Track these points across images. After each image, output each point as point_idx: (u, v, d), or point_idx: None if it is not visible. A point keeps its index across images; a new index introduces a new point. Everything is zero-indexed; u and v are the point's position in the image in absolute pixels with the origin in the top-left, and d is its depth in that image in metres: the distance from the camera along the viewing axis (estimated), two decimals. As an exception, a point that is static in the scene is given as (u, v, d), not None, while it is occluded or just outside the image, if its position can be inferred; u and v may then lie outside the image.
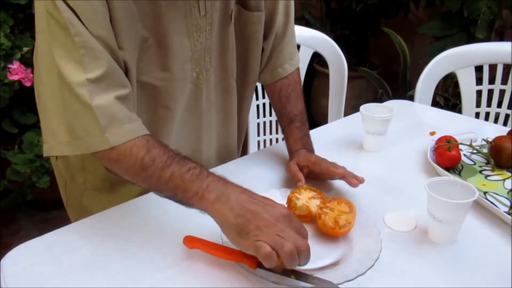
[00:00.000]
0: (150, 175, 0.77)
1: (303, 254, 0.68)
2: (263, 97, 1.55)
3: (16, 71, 1.77)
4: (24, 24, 1.98)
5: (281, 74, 1.11)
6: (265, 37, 1.06)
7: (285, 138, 1.07)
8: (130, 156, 0.78)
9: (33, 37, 1.92)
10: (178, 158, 0.78)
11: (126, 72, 0.85)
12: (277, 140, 1.63)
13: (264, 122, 1.59)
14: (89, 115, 0.77)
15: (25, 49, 1.85)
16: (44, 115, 0.84)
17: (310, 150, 1.03)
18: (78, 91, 0.77)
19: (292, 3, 1.09)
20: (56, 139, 0.81)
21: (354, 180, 0.90)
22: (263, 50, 1.08)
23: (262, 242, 0.67)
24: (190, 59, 0.93)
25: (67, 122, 0.80)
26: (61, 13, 0.76)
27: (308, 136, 1.06)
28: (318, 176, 0.96)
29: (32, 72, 1.80)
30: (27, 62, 1.84)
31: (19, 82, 1.80)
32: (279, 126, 1.57)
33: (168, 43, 0.88)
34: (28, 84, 1.80)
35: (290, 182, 0.97)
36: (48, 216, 2.21)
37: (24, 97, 1.94)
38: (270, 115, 1.58)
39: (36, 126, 2.00)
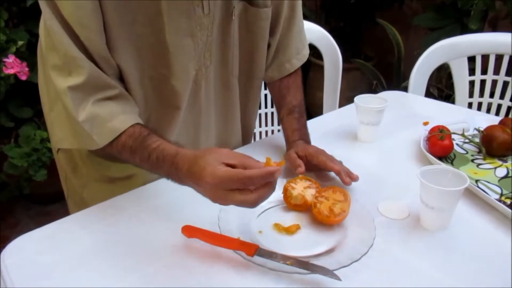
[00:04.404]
0: (126, 159, 0.85)
1: (255, 200, 0.70)
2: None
3: (11, 65, 1.77)
4: (19, 17, 1.97)
5: (288, 69, 1.10)
6: (271, 32, 1.05)
7: (283, 129, 1.08)
8: (116, 146, 0.85)
9: (27, 31, 1.91)
10: (139, 142, 0.82)
11: (121, 72, 0.87)
12: (272, 131, 1.64)
13: (260, 114, 1.60)
14: (76, 122, 0.83)
15: (20, 42, 1.84)
16: (56, 109, 0.92)
17: (307, 141, 1.04)
18: (63, 98, 0.83)
19: None
20: (63, 133, 0.88)
21: (347, 178, 0.91)
22: (269, 45, 1.07)
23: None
24: (193, 58, 0.93)
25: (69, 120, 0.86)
26: (47, 20, 0.79)
27: (305, 128, 1.06)
28: (314, 168, 0.97)
29: (28, 66, 1.80)
30: (22, 55, 1.84)
31: (15, 76, 1.79)
32: (275, 118, 1.59)
33: (169, 42, 0.87)
34: (23, 78, 1.80)
35: (287, 172, 0.99)
36: (46, 209, 2.22)
37: (20, 91, 1.93)
38: (266, 107, 1.59)
39: (32, 120, 2.00)
